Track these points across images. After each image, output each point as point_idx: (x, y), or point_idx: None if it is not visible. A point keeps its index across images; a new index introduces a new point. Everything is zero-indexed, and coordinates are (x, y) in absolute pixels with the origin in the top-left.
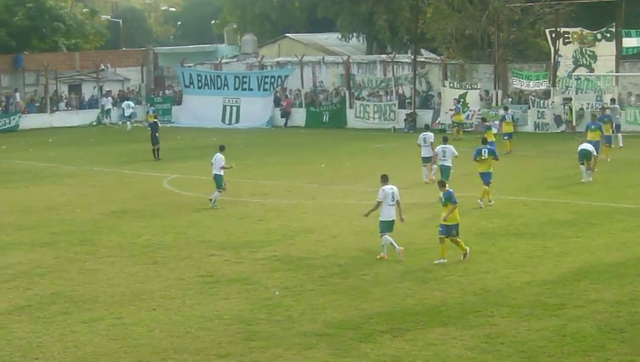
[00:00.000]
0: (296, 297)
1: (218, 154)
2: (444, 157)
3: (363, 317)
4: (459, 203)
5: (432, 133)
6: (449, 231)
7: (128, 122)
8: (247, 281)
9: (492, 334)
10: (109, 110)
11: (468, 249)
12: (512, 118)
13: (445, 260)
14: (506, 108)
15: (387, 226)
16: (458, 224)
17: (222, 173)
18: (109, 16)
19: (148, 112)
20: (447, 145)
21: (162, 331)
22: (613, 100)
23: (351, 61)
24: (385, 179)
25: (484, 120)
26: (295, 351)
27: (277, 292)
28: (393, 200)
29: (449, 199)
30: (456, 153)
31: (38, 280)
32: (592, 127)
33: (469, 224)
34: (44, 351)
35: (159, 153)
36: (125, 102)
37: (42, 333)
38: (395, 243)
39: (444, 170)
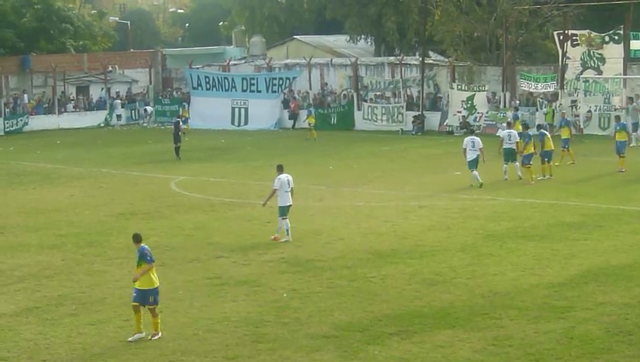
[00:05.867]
0: (304, 299)
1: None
2: (510, 140)
3: (371, 320)
4: (470, 206)
5: (479, 139)
6: (144, 297)
7: (118, 122)
8: (255, 283)
9: (500, 336)
10: (119, 115)
11: (160, 334)
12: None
13: (143, 334)
14: (516, 109)
15: (285, 211)
16: (158, 288)
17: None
18: (117, 18)
19: (183, 107)
20: (512, 130)
21: (170, 333)
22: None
23: (359, 63)
24: (280, 169)
25: (515, 109)
26: (303, 354)
27: (285, 295)
28: (289, 187)
29: (143, 257)
30: (518, 138)
31: (46, 282)
32: (617, 128)
33: (476, 226)
34: (52, 352)
35: (179, 152)
36: (115, 101)
37: (50, 335)
38: (289, 232)
39: (510, 153)
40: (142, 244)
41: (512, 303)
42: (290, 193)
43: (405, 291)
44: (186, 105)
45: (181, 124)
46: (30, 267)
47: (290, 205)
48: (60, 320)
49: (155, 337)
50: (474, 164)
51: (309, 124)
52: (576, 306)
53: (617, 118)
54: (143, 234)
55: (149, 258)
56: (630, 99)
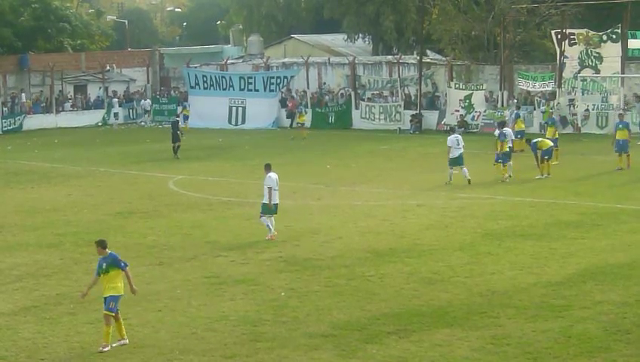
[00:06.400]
0: (302, 298)
1: None
2: (505, 139)
3: (369, 319)
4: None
5: (461, 137)
6: (106, 302)
7: (116, 121)
8: (253, 282)
9: (498, 335)
10: (116, 113)
11: (109, 347)
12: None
13: (126, 340)
14: (518, 107)
15: (272, 209)
16: (121, 296)
17: None
18: (114, 17)
19: (185, 107)
20: (507, 129)
21: (168, 332)
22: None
23: (357, 62)
24: (268, 167)
25: (517, 107)
26: (301, 352)
27: (283, 294)
28: (277, 186)
29: (117, 263)
30: (513, 136)
31: (44, 281)
32: (620, 126)
33: (475, 225)
34: (50, 351)
35: (178, 151)
36: (112, 100)
37: (48, 334)
38: (272, 227)
39: (506, 151)
40: (110, 251)
41: (510, 302)
42: (278, 191)
43: (403, 290)
44: (187, 104)
45: (180, 123)
46: (28, 266)
47: (277, 203)
48: (59, 319)
49: (105, 349)
50: (458, 160)
51: (297, 123)
52: (574, 305)
53: (620, 115)
54: (141, 233)
55: (123, 264)
56: (637, 97)
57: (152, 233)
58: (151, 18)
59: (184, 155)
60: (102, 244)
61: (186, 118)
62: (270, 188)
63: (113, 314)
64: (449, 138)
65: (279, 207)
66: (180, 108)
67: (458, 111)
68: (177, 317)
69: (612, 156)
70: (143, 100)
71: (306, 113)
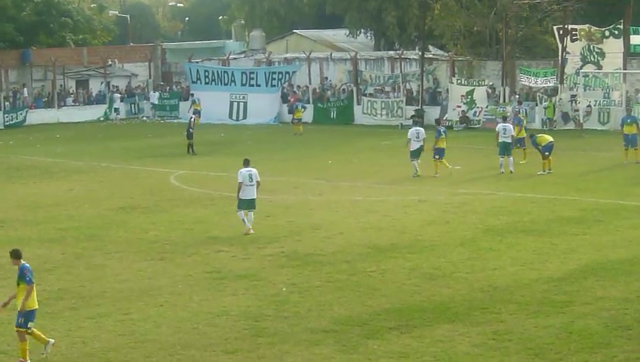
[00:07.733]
0: (304, 293)
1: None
2: (505, 134)
3: (370, 314)
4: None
5: (423, 130)
6: (28, 319)
7: (117, 116)
8: (255, 277)
9: (499, 331)
10: (118, 108)
11: (52, 340)
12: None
13: (52, 340)
14: (520, 103)
15: (244, 204)
16: (34, 311)
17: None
18: (116, 12)
19: (194, 101)
20: (507, 124)
21: (169, 327)
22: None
23: (359, 57)
24: (246, 163)
25: (519, 102)
26: (302, 348)
27: (284, 289)
28: (252, 181)
29: (23, 277)
30: (513, 132)
31: (46, 275)
32: (628, 120)
33: (476, 221)
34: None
35: (193, 149)
36: (114, 94)
37: (49, 329)
38: (246, 222)
39: (505, 146)
40: (22, 262)
41: (512, 298)
42: (254, 187)
43: (405, 285)
44: (197, 99)
45: (192, 119)
46: (30, 261)
47: (253, 199)
48: (60, 313)
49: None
50: (417, 154)
51: (294, 118)
52: (576, 301)
53: (628, 110)
54: (142, 228)
55: (28, 279)
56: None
57: (154, 228)
58: (153, 13)
59: (185, 151)
60: (13, 255)
61: (197, 112)
62: (241, 184)
63: (23, 330)
64: (410, 131)
65: (281, 204)
66: (191, 103)
67: (460, 106)
68: (179, 312)
69: (613, 152)
70: (152, 92)
71: (304, 109)
